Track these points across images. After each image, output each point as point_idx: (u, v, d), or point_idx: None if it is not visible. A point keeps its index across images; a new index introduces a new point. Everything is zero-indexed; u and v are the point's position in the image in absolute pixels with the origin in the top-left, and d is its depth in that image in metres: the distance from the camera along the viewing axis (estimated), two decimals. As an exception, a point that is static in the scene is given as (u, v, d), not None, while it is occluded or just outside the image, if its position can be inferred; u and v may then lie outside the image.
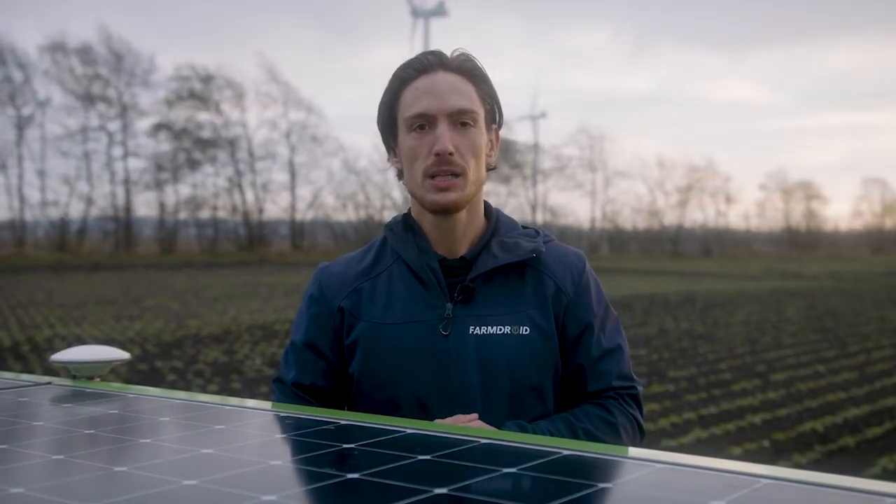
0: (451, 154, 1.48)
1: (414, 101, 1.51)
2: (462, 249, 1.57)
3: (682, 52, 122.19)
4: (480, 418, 1.47)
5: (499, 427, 1.46)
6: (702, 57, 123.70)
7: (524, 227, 1.65)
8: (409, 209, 1.64)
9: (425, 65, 1.53)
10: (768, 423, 7.04)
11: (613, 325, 1.62)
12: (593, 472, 0.90)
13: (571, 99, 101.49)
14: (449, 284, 1.55)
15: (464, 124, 1.51)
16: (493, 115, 1.59)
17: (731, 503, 0.77)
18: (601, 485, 0.84)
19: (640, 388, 1.62)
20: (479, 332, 1.52)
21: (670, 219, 62.65)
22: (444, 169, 1.49)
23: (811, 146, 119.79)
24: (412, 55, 1.58)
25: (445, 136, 1.48)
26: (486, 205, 1.65)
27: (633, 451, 0.98)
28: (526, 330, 1.52)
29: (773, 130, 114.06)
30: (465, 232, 1.57)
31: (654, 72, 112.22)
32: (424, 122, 1.50)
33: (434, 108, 1.49)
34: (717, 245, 63.29)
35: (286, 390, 1.62)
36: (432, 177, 1.50)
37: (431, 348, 1.52)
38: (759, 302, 19.80)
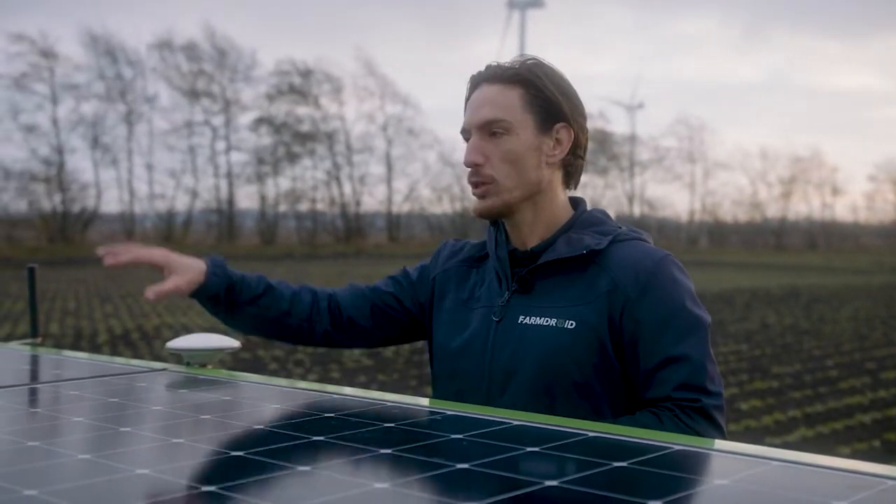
0: (477, 165, 1.57)
1: (464, 117, 1.63)
2: (532, 242, 1.61)
3: (795, 39, 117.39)
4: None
5: None
6: (816, 43, 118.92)
7: (620, 227, 1.62)
8: None
9: (473, 81, 1.63)
10: (879, 422, 6.78)
11: (688, 331, 1.51)
12: (706, 468, 0.89)
13: (675, 88, 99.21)
14: (516, 274, 1.61)
15: (494, 134, 1.57)
16: (554, 114, 1.59)
17: (855, 504, 0.74)
18: (717, 481, 0.83)
19: (709, 401, 1.48)
20: (527, 321, 1.55)
21: (773, 211, 60.85)
22: (476, 180, 1.59)
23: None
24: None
25: (470, 149, 1.58)
26: (577, 201, 1.67)
27: (749, 448, 0.95)
28: (571, 324, 1.51)
29: (886, 119, 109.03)
30: (533, 228, 1.61)
31: (764, 59, 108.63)
32: (467, 136, 1.61)
33: (468, 123, 1.60)
34: (823, 238, 61.18)
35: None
36: (473, 185, 1.61)
37: (482, 332, 1.60)
38: (869, 297, 19.06)
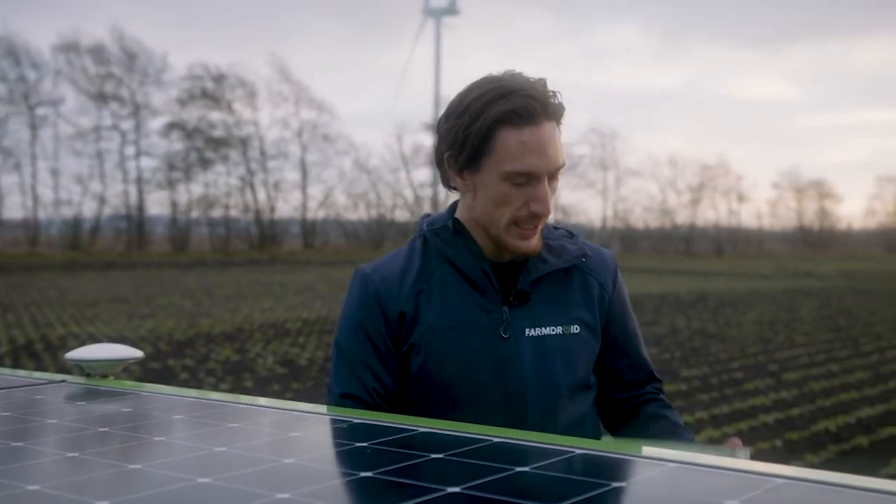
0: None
1: (520, 156, 1.47)
2: (510, 253, 1.60)
3: (711, 49, 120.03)
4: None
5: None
6: (731, 53, 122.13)
7: (555, 228, 1.69)
8: (451, 212, 1.64)
9: (531, 112, 1.47)
10: (781, 422, 7.02)
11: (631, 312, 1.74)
12: (606, 471, 0.90)
13: (592, 96, 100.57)
14: (500, 288, 1.59)
15: (554, 177, 1.53)
16: None
17: (745, 503, 0.76)
18: (615, 484, 0.84)
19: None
20: (534, 333, 1.57)
21: (682, 218, 62.54)
22: (537, 223, 1.54)
23: (828, 144, 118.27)
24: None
25: (548, 198, 1.50)
26: None
27: (647, 450, 0.97)
28: (576, 329, 1.60)
29: (793, 128, 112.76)
30: None
31: (679, 68, 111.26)
32: (523, 180, 1.49)
33: (541, 168, 1.48)
34: (730, 244, 63.12)
35: (356, 404, 1.57)
36: (519, 225, 1.52)
37: (491, 351, 1.55)
38: (772, 301, 19.71)
